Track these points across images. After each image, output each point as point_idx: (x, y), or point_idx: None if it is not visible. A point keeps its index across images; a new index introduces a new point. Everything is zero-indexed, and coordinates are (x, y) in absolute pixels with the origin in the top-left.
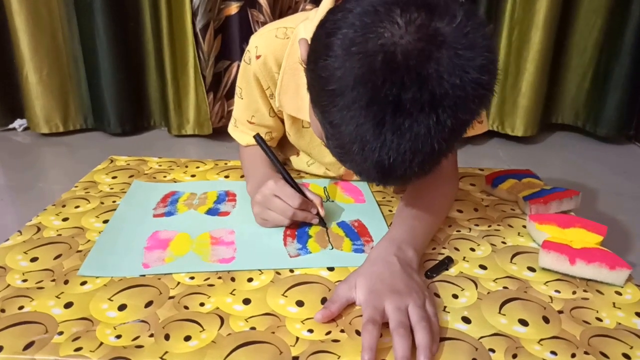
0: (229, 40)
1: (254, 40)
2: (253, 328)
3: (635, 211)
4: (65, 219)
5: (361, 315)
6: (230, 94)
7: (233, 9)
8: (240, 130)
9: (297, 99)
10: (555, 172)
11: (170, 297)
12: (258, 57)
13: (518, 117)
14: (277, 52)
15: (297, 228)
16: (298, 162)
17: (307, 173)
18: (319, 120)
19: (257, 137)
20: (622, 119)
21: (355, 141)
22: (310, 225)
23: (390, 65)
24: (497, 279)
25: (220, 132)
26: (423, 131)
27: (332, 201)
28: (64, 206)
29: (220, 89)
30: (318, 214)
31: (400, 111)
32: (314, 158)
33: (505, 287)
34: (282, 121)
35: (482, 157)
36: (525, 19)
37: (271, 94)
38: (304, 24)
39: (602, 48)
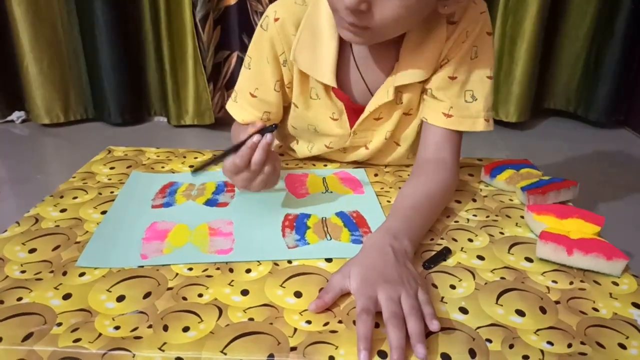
0: (229, 30)
1: (272, 7)
2: (251, 319)
3: (633, 202)
4: (63, 210)
5: None
6: (229, 85)
7: None
8: (239, 105)
9: (312, 58)
10: (549, 158)
11: (169, 288)
12: (276, 20)
13: (511, 104)
14: (297, 15)
15: (295, 219)
16: (299, 148)
17: (309, 158)
18: None
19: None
20: (612, 104)
21: None
22: (308, 216)
23: None
24: (494, 269)
25: (220, 123)
26: None
27: (331, 192)
28: (61, 197)
29: (220, 79)
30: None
31: None
32: (320, 131)
33: (502, 278)
34: (287, 104)
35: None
36: (519, 8)
37: (284, 60)
38: None
39: (594, 36)
